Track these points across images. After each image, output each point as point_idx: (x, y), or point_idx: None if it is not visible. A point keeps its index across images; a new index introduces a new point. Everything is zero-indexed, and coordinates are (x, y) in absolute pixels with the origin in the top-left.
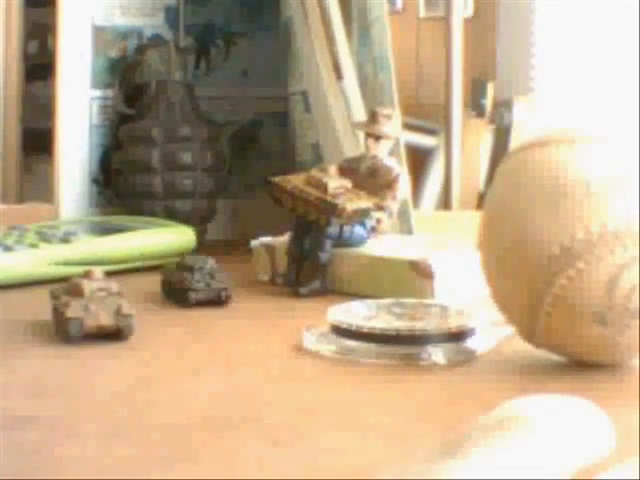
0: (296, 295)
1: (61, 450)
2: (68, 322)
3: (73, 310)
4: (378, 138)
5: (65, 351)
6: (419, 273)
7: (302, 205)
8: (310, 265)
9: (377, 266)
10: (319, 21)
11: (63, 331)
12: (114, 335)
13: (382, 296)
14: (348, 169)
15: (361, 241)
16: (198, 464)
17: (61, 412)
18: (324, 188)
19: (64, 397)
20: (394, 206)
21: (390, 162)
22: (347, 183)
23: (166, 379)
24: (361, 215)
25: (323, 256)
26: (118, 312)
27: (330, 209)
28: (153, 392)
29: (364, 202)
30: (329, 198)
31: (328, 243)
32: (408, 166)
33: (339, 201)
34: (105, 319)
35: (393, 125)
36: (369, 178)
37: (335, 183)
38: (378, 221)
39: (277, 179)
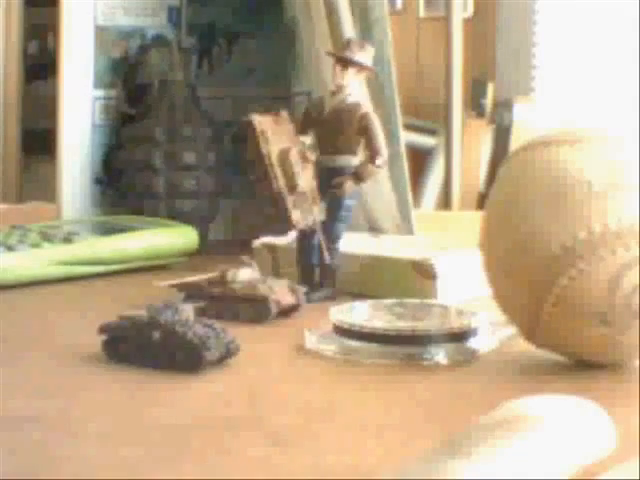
0: (307, 302)
1: (61, 450)
2: (266, 302)
3: (266, 290)
4: (345, 65)
5: (66, 351)
6: (421, 273)
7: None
8: (320, 271)
9: (379, 266)
10: (324, 21)
11: (263, 310)
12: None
13: (384, 296)
14: (315, 120)
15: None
16: (198, 464)
17: (61, 412)
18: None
19: (64, 397)
20: (385, 154)
21: (356, 99)
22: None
23: (166, 379)
24: None
25: (331, 262)
26: (292, 290)
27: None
28: (153, 392)
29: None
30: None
31: (335, 249)
32: (408, 166)
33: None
34: (288, 297)
35: (366, 56)
36: (335, 124)
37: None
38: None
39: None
